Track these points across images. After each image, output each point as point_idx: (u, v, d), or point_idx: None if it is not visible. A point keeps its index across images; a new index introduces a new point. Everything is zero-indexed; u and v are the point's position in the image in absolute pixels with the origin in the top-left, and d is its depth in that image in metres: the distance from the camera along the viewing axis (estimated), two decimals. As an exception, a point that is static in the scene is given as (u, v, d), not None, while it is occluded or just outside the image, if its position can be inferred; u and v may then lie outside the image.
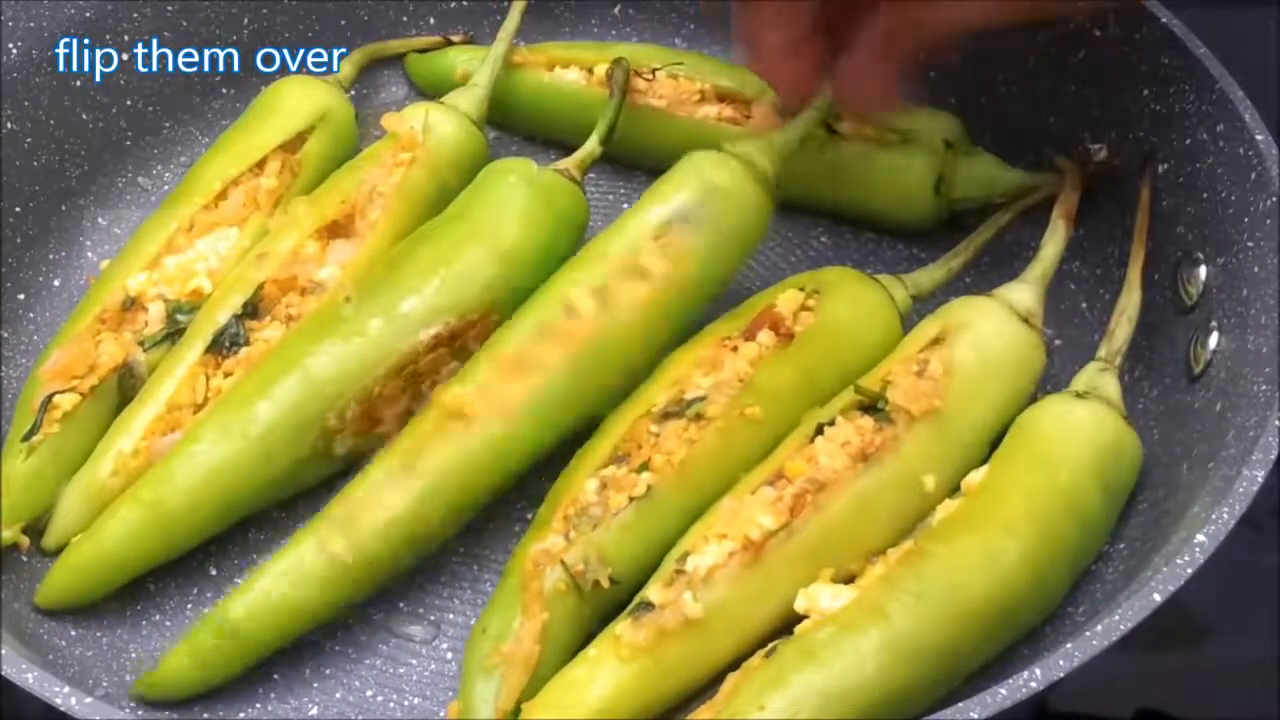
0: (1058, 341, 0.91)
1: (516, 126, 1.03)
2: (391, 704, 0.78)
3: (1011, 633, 0.75)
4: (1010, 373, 0.82)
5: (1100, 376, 0.82)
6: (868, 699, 0.69)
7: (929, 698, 0.71)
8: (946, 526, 0.75)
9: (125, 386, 0.86)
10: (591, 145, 0.93)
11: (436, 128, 0.93)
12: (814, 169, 0.94)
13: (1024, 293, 0.84)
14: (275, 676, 0.78)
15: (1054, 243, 0.87)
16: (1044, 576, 0.75)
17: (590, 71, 1.02)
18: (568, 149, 0.94)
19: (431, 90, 1.05)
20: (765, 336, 0.82)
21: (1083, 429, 0.79)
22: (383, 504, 0.78)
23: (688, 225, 0.84)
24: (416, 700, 0.78)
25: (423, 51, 1.07)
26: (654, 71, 0.99)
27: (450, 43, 1.07)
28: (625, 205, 0.96)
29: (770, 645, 0.72)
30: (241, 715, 0.77)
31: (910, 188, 0.95)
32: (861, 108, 0.90)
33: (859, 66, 0.83)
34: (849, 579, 0.75)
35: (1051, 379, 0.88)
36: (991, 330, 0.82)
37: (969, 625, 0.72)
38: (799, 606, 0.74)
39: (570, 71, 1.02)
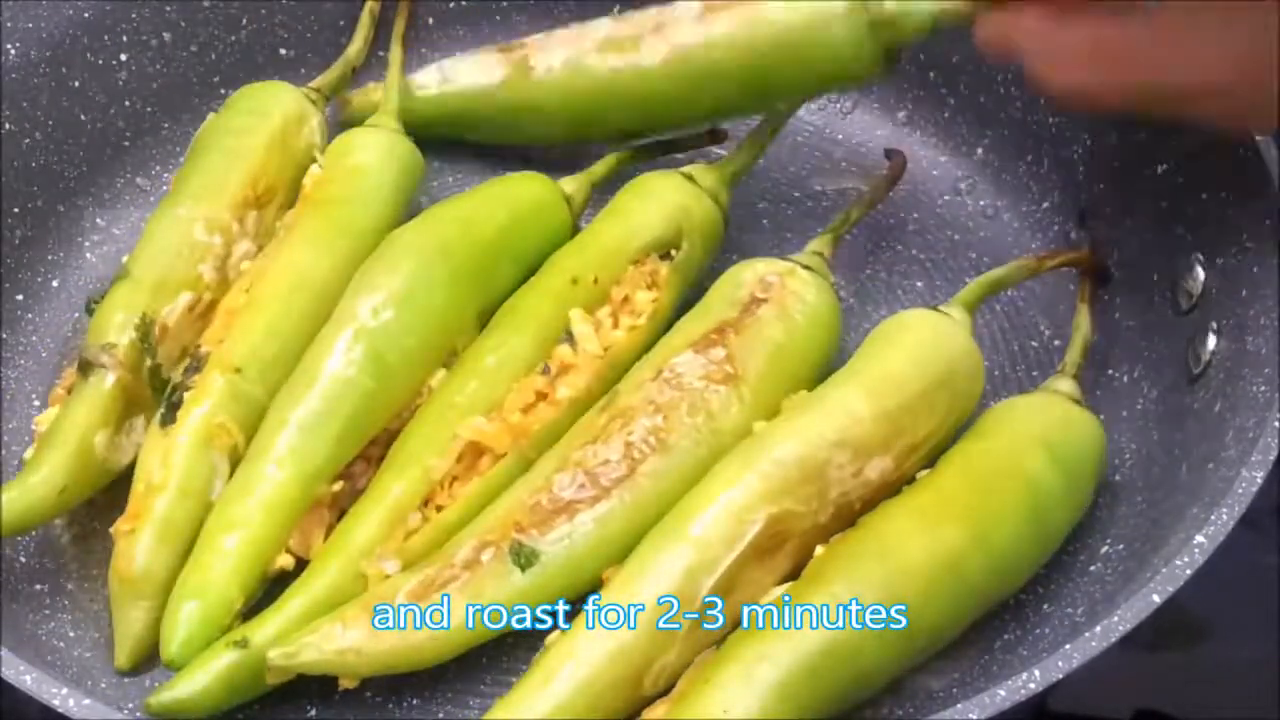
0: (1056, 341, 0.92)
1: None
2: (391, 704, 0.78)
3: (966, 589, 0.74)
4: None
5: (1055, 380, 0.84)
6: (823, 668, 0.69)
7: (888, 665, 0.72)
8: (882, 506, 0.76)
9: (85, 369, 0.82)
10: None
11: (357, 153, 0.92)
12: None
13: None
14: (275, 677, 0.78)
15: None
16: (988, 530, 0.75)
17: None
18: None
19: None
20: None
21: (1022, 408, 0.81)
22: None
23: None
24: (416, 700, 0.78)
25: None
26: None
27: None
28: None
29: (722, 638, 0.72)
30: (241, 715, 0.76)
31: (843, 43, 0.87)
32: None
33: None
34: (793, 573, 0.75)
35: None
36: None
37: (909, 581, 0.72)
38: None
39: None
